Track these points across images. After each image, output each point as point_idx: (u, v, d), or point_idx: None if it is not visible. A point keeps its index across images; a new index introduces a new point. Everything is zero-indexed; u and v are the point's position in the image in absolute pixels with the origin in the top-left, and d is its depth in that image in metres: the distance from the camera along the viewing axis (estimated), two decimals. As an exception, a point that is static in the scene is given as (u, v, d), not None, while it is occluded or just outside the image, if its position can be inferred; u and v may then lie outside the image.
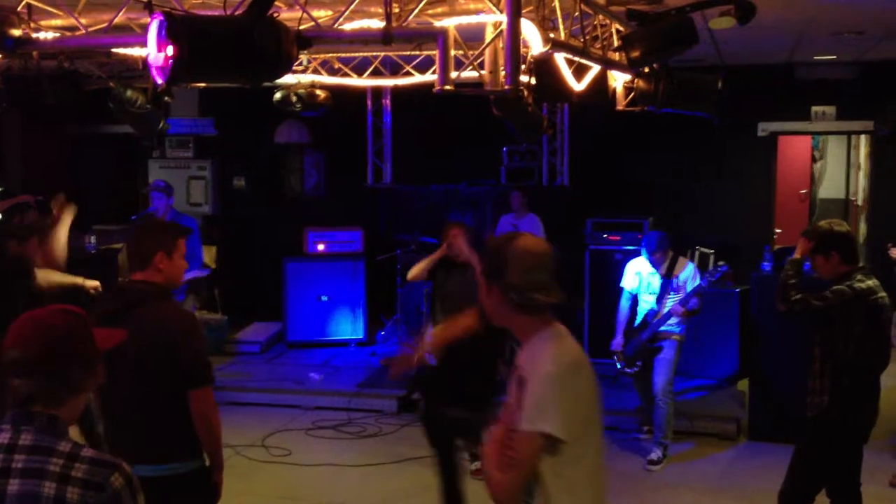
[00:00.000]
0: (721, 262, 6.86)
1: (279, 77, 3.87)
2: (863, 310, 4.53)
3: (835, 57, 9.68)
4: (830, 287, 4.60)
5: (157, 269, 3.63)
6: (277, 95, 8.14)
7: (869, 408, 4.69)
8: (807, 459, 4.77)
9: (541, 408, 2.65)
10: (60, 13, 4.93)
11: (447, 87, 4.18)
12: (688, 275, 6.79)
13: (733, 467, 6.76)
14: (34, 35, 4.76)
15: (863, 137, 14.26)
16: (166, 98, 6.72)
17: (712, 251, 9.06)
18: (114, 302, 3.66)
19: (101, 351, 2.36)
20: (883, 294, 4.60)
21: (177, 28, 3.58)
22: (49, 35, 4.86)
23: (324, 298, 9.99)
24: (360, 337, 10.08)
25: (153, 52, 3.74)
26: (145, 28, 3.79)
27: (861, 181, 15.02)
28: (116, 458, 2.25)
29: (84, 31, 4.70)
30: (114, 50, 5.43)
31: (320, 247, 10.07)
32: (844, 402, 4.59)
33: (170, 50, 3.60)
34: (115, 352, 3.42)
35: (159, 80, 3.79)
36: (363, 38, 4.46)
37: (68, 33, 4.92)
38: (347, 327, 10.03)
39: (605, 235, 9.24)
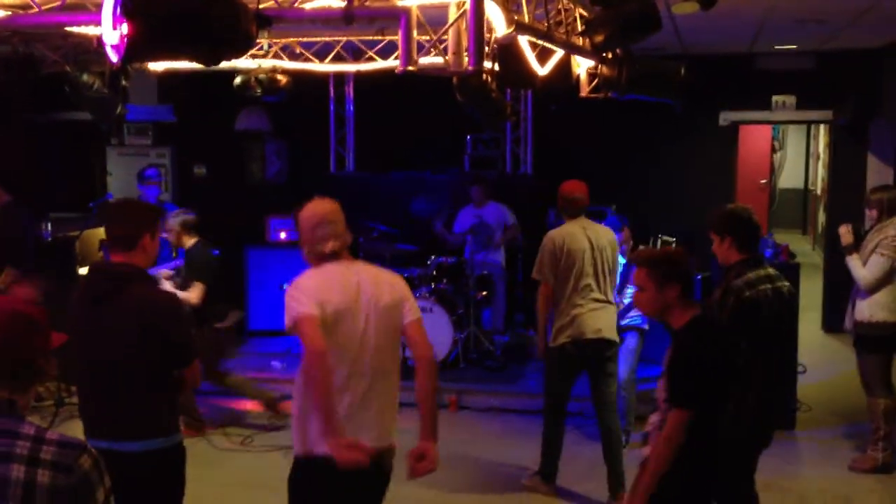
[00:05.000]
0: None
1: (238, 56, 3.80)
2: (749, 322, 4.16)
3: (795, 47, 9.78)
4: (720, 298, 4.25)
5: (143, 251, 3.65)
6: (237, 80, 8.03)
7: (759, 417, 4.32)
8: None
9: (289, 306, 3.45)
10: (13, -9, 4.80)
11: (410, 68, 4.14)
12: None
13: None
14: (-15, 13, 4.64)
15: (822, 128, 14.45)
16: (123, 82, 6.59)
17: (674, 239, 9.10)
18: (100, 283, 3.63)
19: (52, 346, 2.34)
20: (765, 287, 4.21)
21: (132, 5, 3.49)
22: (0, 13, 4.74)
23: (285, 286, 9.85)
24: (323, 325, 9.99)
25: (108, 30, 3.66)
26: (100, 6, 3.70)
27: (820, 171, 15.22)
28: (81, 439, 2.23)
29: (37, 10, 4.58)
30: (69, 29, 5.30)
31: (282, 235, 9.98)
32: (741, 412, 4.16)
33: (125, 28, 3.52)
34: (104, 331, 3.51)
35: (114, 59, 3.71)
36: (324, 17, 4.40)
37: (21, 11, 4.80)
38: (310, 316, 9.94)
39: (568, 223, 9.23)
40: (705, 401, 3.48)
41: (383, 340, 3.53)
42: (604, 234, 5.97)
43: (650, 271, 3.64)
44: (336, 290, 3.48)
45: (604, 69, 6.55)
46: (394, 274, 3.73)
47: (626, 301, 6.71)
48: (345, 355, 3.44)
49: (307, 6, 4.36)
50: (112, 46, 3.66)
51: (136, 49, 3.53)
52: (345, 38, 7.32)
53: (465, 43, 4.21)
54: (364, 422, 3.46)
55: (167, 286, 6.56)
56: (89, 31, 5.25)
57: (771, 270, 4.34)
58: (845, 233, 6.31)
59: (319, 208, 3.64)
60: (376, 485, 3.62)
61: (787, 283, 4.35)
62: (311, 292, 3.45)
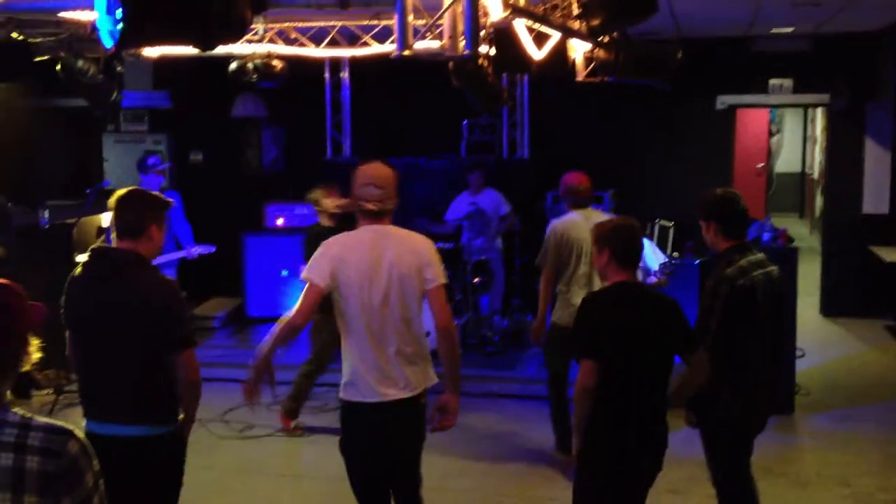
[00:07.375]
0: (676, 255, 6.85)
1: (232, 41, 3.78)
2: (745, 309, 4.13)
3: (792, 30, 9.75)
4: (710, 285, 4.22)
5: (149, 239, 3.72)
6: (232, 66, 7.99)
7: (754, 401, 4.27)
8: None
9: (310, 263, 3.80)
10: (6, -22, 4.78)
11: (406, 53, 4.12)
12: (645, 250, 6.78)
13: (692, 438, 6.81)
14: (-21, -1, 4.62)
15: (819, 111, 14.42)
16: (118, 68, 6.56)
17: (672, 223, 9.10)
18: (101, 265, 3.65)
19: (33, 325, 2.30)
20: (757, 273, 4.15)
21: (126, -10, 3.47)
22: (-6, 0, 4.72)
23: (284, 273, 9.90)
24: (321, 311, 10.00)
25: (102, 15, 3.64)
26: (94, -9, 3.67)
27: (817, 155, 15.21)
28: (67, 425, 2.19)
29: (31, -4, 4.57)
30: (63, 15, 5.28)
31: (279, 221, 9.98)
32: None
33: (119, 12, 3.50)
34: (104, 312, 3.55)
35: (109, 45, 3.69)
36: (319, 2, 4.38)
37: (15, -2, 4.78)
38: (307, 302, 9.94)
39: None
40: (606, 352, 3.71)
41: (403, 304, 3.77)
42: None
43: (593, 237, 4.04)
44: (359, 252, 3.74)
45: (600, 53, 6.54)
46: (423, 239, 3.93)
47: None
48: (365, 317, 3.74)
49: (302, -10, 4.34)
50: (107, 32, 3.64)
51: (130, 34, 3.50)
52: (340, 23, 7.29)
53: (460, 27, 4.19)
54: (391, 375, 3.80)
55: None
56: (84, 16, 5.23)
57: (760, 255, 4.28)
58: None
59: (373, 171, 3.82)
60: (410, 422, 3.90)
61: (775, 267, 4.28)
62: (330, 260, 3.74)
